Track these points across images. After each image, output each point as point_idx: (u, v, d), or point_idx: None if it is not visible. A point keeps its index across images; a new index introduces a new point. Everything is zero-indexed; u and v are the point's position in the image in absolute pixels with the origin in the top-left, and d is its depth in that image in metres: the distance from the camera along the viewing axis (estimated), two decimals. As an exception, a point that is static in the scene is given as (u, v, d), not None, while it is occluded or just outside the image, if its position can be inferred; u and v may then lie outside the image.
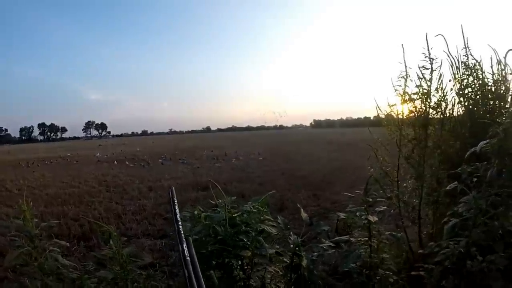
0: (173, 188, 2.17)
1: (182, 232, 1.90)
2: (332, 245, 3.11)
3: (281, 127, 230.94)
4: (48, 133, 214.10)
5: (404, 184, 4.01)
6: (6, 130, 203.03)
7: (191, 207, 9.38)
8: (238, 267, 2.63)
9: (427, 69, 3.79)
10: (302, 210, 3.23)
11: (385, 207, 3.35)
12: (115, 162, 28.90)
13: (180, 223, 1.93)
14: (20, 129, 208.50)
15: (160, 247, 7.53)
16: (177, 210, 2.10)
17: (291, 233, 2.79)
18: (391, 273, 2.97)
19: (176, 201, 2.15)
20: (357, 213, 2.94)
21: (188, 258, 1.59)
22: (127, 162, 27.89)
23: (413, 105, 3.94)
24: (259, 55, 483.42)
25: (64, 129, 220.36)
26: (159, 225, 9.09)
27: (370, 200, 2.97)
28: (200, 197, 11.83)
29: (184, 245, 1.68)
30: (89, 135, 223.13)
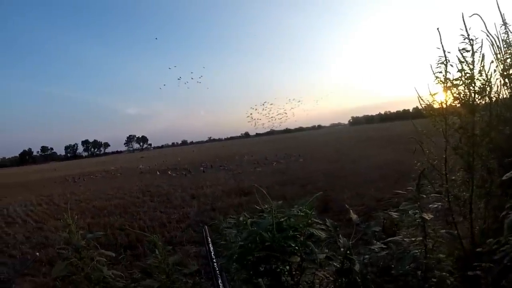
0: (206, 227, 2.15)
1: (217, 269, 1.86)
2: (384, 246, 2.96)
3: (319, 126, 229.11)
4: (92, 149, 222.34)
5: (453, 177, 3.77)
6: (52, 148, 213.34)
7: (235, 212, 9.41)
8: (286, 272, 2.52)
9: (467, 51, 3.55)
10: (351, 211, 3.09)
11: (439, 203, 3.16)
12: (158, 173, 29.43)
13: (214, 260, 1.90)
14: (65, 147, 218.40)
15: (204, 253, 7.53)
16: (211, 248, 2.06)
17: (340, 235, 2.65)
18: (447, 274, 2.77)
19: (210, 240, 2.12)
20: (410, 211, 2.77)
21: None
22: (169, 172, 28.31)
23: (457, 91, 3.70)
24: (291, 57, 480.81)
25: (107, 144, 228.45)
26: (202, 231, 9.09)
27: (424, 196, 2.79)
28: (243, 203, 11.83)
29: (220, 280, 1.66)
30: (131, 149, 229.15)
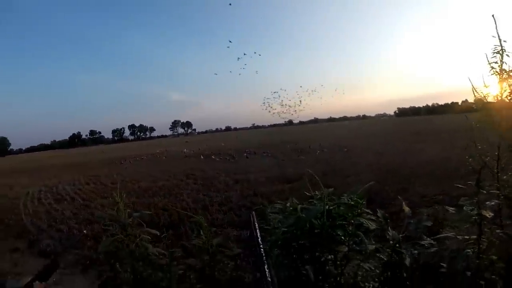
0: (254, 212, 2.09)
1: (263, 255, 1.81)
2: (433, 242, 2.81)
3: (364, 117, 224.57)
4: (138, 133, 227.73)
5: (504, 177, 3.48)
6: (100, 132, 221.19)
7: (277, 199, 9.35)
8: (331, 262, 2.43)
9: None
10: (403, 203, 2.94)
11: (496, 201, 2.95)
12: (202, 157, 29.90)
13: (261, 246, 1.85)
14: (112, 130, 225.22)
15: (245, 237, 7.54)
16: (259, 234, 2.01)
17: (389, 228, 2.51)
18: (497, 278, 2.60)
19: (257, 225, 2.07)
20: (464, 207, 2.60)
21: (269, 279, 1.53)
22: (213, 157, 28.66)
23: None
24: (333, 46, 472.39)
25: (152, 129, 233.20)
26: (244, 215, 9.13)
27: (484, 192, 2.62)
28: (286, 189, 11.81)
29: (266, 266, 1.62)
30: (176, 133, 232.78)
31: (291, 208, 2.62)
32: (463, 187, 3.00)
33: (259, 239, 1.97)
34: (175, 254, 3.54)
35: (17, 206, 14.83)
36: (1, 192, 19.88)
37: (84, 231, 2.68)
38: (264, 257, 1.77)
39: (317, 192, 2.60)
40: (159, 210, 10.65)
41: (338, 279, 2.50)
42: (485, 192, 2.62)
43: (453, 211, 2.77)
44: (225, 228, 8.42)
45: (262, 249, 1.87)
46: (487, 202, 2.73)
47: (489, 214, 2.44)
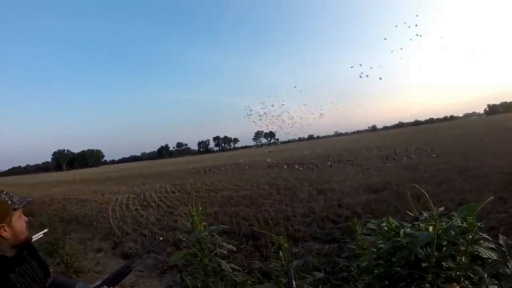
0: (292, 269, 1.70)
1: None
2: None
3: (451, 117, 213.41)
4: (223, 144, 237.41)
5: None
6: (186, 144, 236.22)
7: (362, 211, 8.85)
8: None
9: None
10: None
11: None
12: (285, 166, 29.82)
13: None
14: (198, 142, 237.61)
15: (327, 251, 7.16)
16: None
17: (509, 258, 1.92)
18: None
19: (294, 283, 1.69)
20: None
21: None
22: (296, 166, 28.38)
23: None
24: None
25: (236, 140, 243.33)
26: (328, 228, 8.71)
27: None
28: (372, 200, 11.19)
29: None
30: (259, 143, 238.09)
31: (386, 229, 2.14)
32: None
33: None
34: (252, 275, 3.32)
35: (106, 210, 15.79)
36: (93, 198, 21.38)
37: (161, 238, 2.62)
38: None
39: (424, 213, 2.08)
40: (240, 220, 10.60)
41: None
42: None
43: None
44: (306, 241, 8.03)
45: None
46: None
47: None
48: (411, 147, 32.53)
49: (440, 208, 1.92)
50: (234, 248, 3.16)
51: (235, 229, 9.30)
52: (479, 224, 1.77)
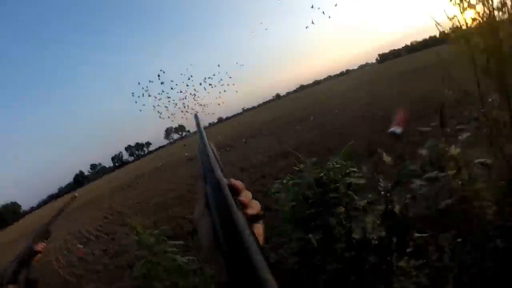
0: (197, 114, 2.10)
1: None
2: (424, 183, 2.90)
3: (347, 71, 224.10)
4: (136, 152, 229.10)
5: (490, 99, 3.50)
6: (100, 164, 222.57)
7: (284, 175, 9.53)
8: (336, 224, 2.64)
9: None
10: (384, 154, 3.15)
11: (467, 134, 3.03)
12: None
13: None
14: (111, 158, 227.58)
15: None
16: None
17: (380, 180, 2.69)
18: (488, 203, 2.75)
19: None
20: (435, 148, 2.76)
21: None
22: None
23: (475, 12, 3.47)
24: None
25: (148, 143, 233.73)
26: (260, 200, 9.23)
27: (448, 130, 2.78)
28: (291, 163, 11.84)
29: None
30: (172, 140, 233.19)
31: (287, 184, 2.84)
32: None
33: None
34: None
35: (51, 262, 14.82)
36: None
37: (76, 194, 2.37)
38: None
39: (302, 165, 2.81)
40: (180, 220, 10.88)
41: (346, 238, 2.72)
42: (448, 130, 2.73)
43: (425, 154, 2.89)
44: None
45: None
46: (459, 137, 2.85)
47: (455, 151, 2.56)
48: (313, 108, 33.54)
49: (313, 159, 2.63)
50: (182, 242, 3.57)
51: (178, 230, 9.51)
52: (348, 161, 2.50)
